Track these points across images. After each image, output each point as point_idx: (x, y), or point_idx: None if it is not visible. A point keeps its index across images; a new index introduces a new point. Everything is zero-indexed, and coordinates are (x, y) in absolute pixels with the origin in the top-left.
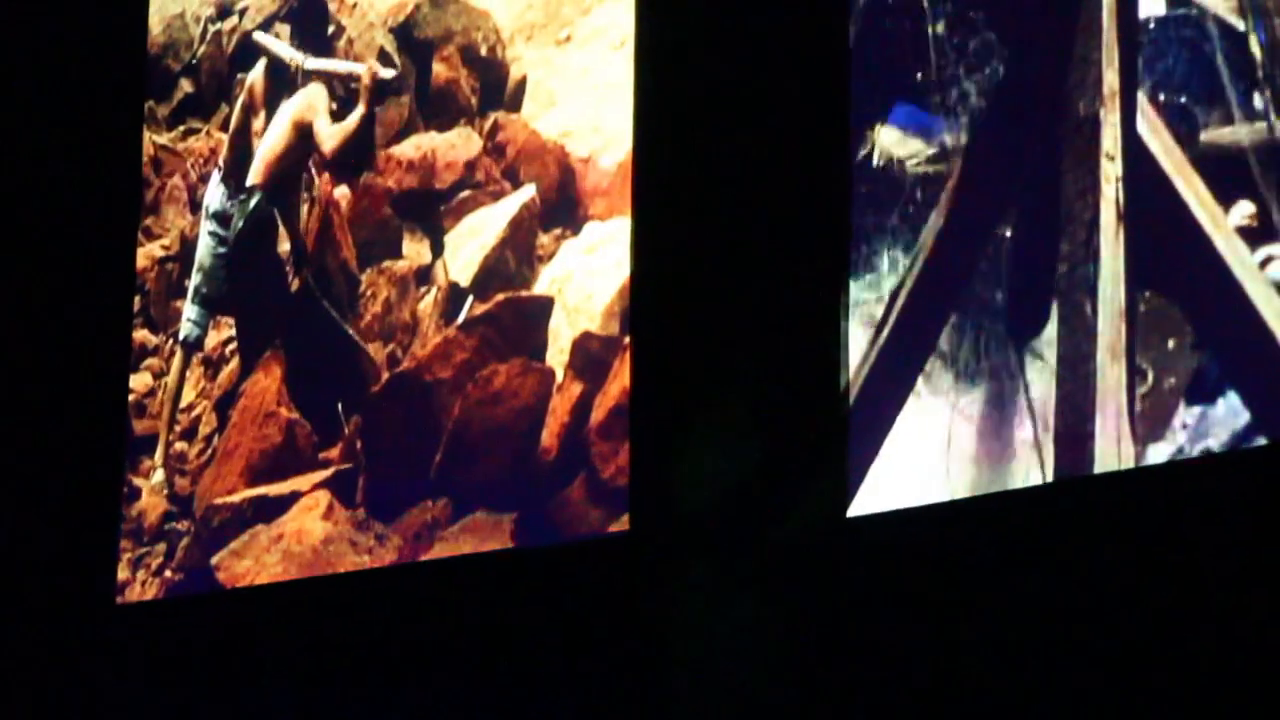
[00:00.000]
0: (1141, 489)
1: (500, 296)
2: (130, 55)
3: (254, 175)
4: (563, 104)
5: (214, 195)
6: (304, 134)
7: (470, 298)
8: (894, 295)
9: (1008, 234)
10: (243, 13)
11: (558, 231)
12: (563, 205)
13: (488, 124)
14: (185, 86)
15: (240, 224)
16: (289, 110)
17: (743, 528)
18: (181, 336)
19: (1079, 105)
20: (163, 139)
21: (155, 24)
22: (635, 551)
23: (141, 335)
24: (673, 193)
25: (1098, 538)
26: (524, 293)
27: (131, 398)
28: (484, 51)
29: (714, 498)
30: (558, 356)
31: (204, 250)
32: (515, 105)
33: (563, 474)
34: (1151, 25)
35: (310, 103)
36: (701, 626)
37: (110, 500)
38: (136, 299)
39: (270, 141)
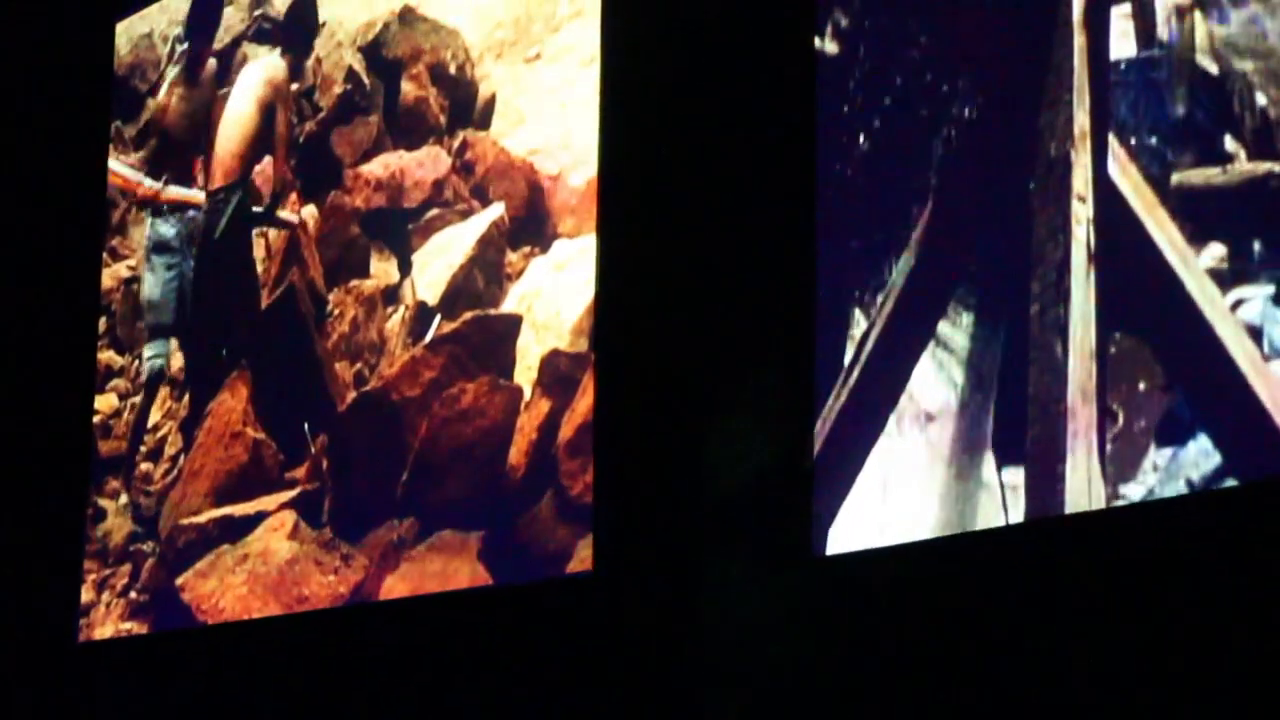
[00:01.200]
0: (1112, 529)
1: (468, 315)
2: (97, 76)
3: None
4: (532, 122)
5: (155, 228)
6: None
7: (438, 316)
8: (865, 334)
9: (978, 275)
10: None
11: (526, 249)
12: (532, 223)
13: (456, 142)
14: (152, 107)
15: (194, 247)
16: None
17: (711, 557)
18: (145, 374)
19: (1050, 146)
20: (130, 159)
21: (122, 44)
22: (598, 588)
23: (107, 356)
24: (638, 212)
25: (1068, 577)
26: (492, 311)
27: (97, 419)
28: (453, 70)
29: (680, 526)
30: (526, 374)
31: (151, 284)
32: (484, 123)
33: (530, 492)
34: (1123, 66)
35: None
36: (667, 661)
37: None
38: (102, 320)
39: (225, 145)
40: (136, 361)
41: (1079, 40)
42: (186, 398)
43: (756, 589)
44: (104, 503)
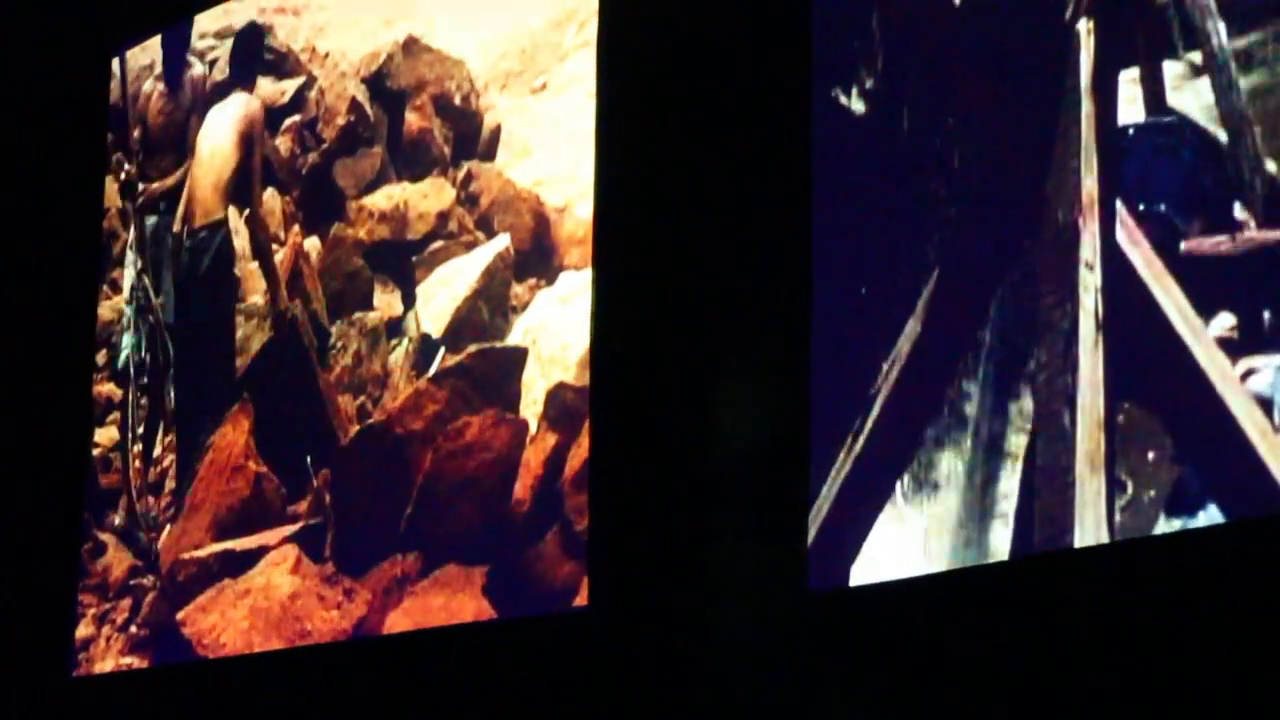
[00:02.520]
0: (1116, 564)
1: (473, 348)
2: (94, 108)
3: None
4: (538, 153)
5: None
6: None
7: (442, 349)
8: (870, 401)
9: (985, 342)
10: (212, 64)
11: (532, 281)
12: (537, 254)
13: (461, 174)
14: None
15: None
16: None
17: (704, 597)
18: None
19: (1058, 213)
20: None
21: (126, 72)
22: (593, 626)
23: (108, 389)
24: (636, 248)
25: (1070, 614)
26: (497, 343)
27: (97, 451)
28: (458, 101)
29: (676, 564)
30: (531, 408)
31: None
32: (489, 154)
33: (536, 527)
34: (1131, 132)
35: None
36: (664, 698)
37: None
38: (103, 353)
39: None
40: (137, 395)
41: (1087, 106)
42: (173, 436)
43: (754, 626)
44: (104, 536)
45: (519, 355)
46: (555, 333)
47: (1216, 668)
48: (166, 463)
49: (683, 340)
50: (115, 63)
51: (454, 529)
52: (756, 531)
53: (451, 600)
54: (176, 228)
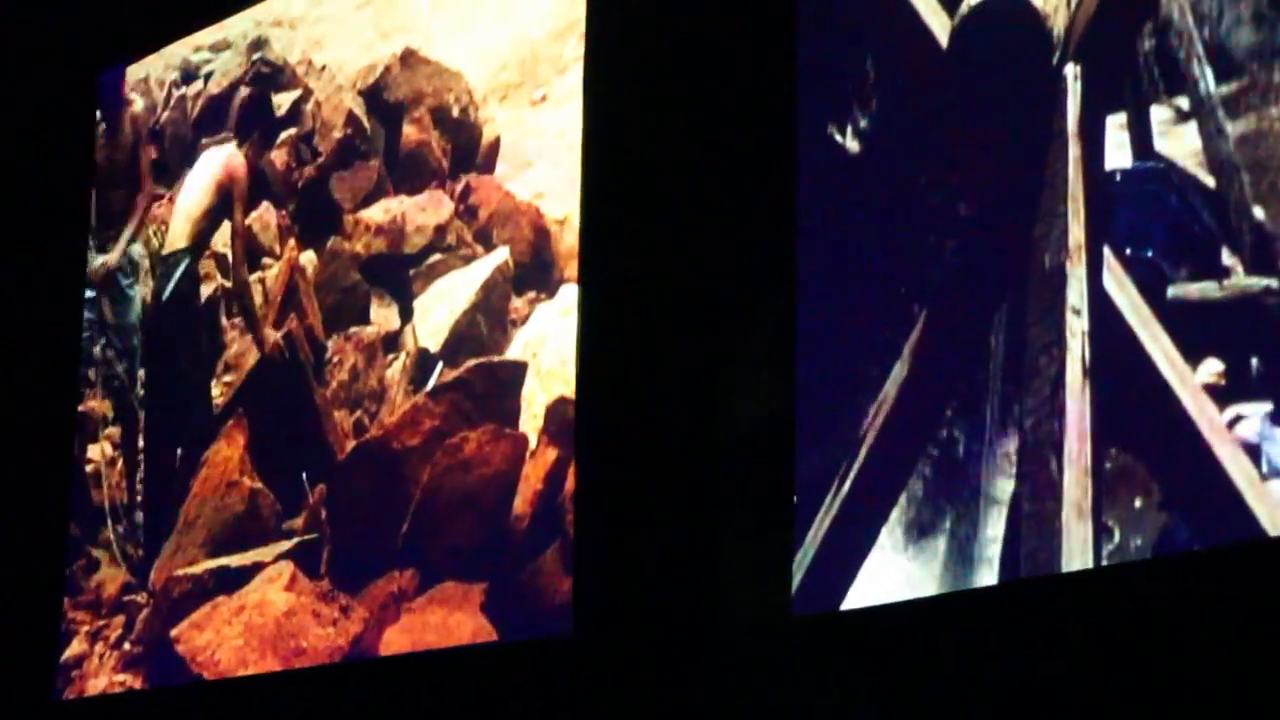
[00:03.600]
0: (1102, 590)
1: (471, 362)
2: (81, 126)
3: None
4: (537, 165)
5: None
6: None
7: (440, 363)
8: (856, 445)
9: (971, 387)
10: (208, 77)
11: (532, 294)
12: (537, 267)
13: (459, 186)
14: (149, 152)
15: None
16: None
17: (688, 625)
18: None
19: (1045, 258)
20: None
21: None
22: (578, 653)
23: (102, 405)
24: (623, 273)
25: (1055, 639)
26: (496, 358)
27: (90, 468)
28: (456, 113)
29: (659, 592)
30: (531, 422)
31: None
32: (488, 167)
33: (536, 543)
34: (1118, 178)
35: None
36: None
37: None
38: (94, 370)
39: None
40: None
41: (1074, 151)
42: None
43: (741, 650)
44: (97, 553)
45: (518, 369)
46: (555, 346)
47: (1201, 691)
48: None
49: (672, 366)
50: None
51: (452, 545)
52: (746, 556)
53: (449, 617)
54: (146, 248)
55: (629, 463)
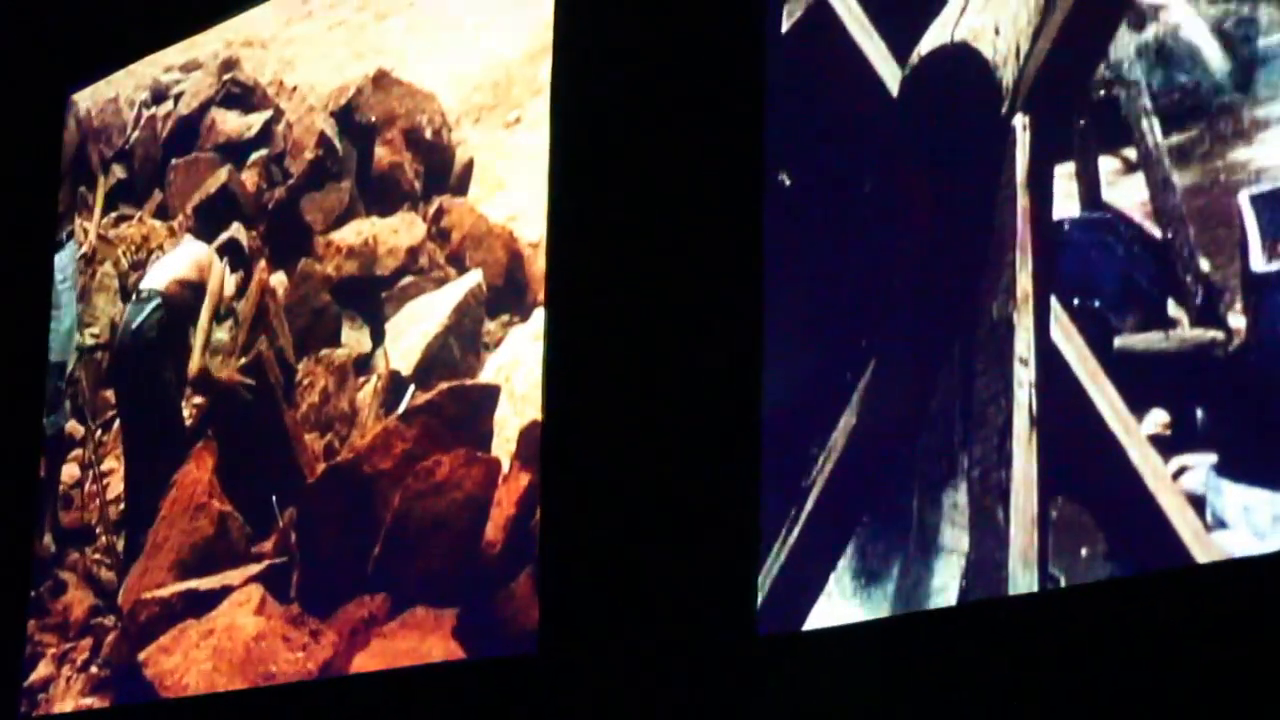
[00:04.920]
0: (1055, 612)
1: (443, 385)
2: (49, 144)
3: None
4: (512, 187)
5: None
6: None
7: (412, 386)
8: (805, 492)
9: (919, 436)
10: (178, 98)
11: (505, 318)
12: (511, 290)
13: (432, 208)
14: (118, 172)
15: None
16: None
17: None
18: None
19: (992, 307)
20: (93, 226)
21: (90, 108)
22: (542, 671)
23: (70, 426)
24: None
25: (1018, 659)
26: (468, 381)
27: (59, 489)
28: (429, 134)
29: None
30: (504, 446)
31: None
32: (461, 189)
33: (508, 568)
34: (1066, 227)
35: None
36: None
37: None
38: (65, 389)
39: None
40: (99, 431)
41: (1022, 201)
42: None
43: (699, 670)
44: (64, 575)
45: (491, 393)
46: (528, 370)
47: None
48: (114, 496)
49: (639, 389)
50: (85, 93)
51: (423, 570)
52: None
53: (421, 643)
54: (115, 268)
55: (595, 484)
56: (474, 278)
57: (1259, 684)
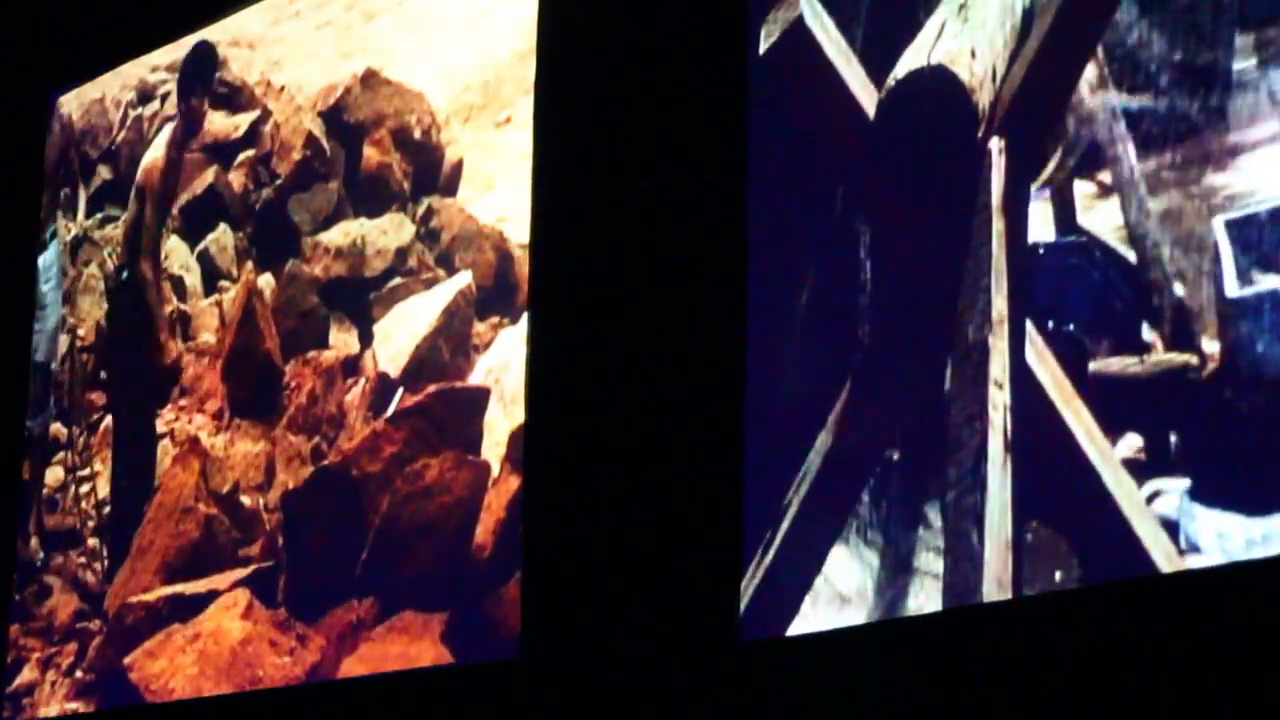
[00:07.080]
0: (1031, 619)
1: (432, 388)
2: (32, 146)
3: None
4: (501, 187)
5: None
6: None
7: (401, 389)
8: (781, 513)
9: (895, 458)
10: (164, 98)
11: (495, 320)
12: (500, 292)
13: (421, 209)
14: (103, 173)
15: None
16: None
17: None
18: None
19: (968, 330)
20: (78, 227)
21: (74, 109)
22: (526, 676)
23: (55, 428)
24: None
25: (1005, 664)
26: (458, 383)
27: (44, 492)
28: (418, 135)
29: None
30: (494, 449)
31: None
32: (451, 189)
33: (498, 572)
34: (1041, 251)
35: None
36: None
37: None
38: (49, 391)
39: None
40: (84, 434)
41: (998, 225)
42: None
43: (682, 674)
44: (49, 579)
45: (481, 395)
46: (518, 372)
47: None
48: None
49: (624, 393)
50: (69, 96)
51: (412, 574)
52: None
53: (409, 648)
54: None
55: (578, 489)
56: (463, 279)
57: (1244, 689)
